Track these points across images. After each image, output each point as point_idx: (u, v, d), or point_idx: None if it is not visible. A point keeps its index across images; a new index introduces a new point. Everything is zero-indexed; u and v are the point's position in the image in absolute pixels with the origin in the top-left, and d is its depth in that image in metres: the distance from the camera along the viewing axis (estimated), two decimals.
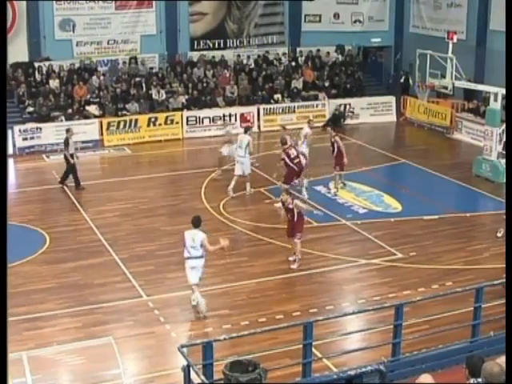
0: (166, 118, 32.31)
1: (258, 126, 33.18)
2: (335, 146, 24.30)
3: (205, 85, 34.99)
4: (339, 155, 24.35)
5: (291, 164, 22.90)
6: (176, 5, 36.49)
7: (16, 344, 13.42)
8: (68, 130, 25.96)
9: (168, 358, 14.05)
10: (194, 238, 15.90)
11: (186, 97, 33.94)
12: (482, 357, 9.19)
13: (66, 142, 25.50)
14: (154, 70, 35.49)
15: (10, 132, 28.03)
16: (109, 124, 31.30)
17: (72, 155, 25.43)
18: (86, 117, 31.85)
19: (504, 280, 15.01)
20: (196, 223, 16.18)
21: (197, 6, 37.35)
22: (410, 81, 38.02)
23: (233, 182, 24.09)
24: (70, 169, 25.41)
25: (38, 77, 33.65)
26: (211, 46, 37.73)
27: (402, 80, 38.29)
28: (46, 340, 14.82)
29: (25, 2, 33.64)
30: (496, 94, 25.79)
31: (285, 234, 19.22)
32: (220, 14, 37.84)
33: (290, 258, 18.95)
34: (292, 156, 22.94)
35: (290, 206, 18.56)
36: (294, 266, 18.69)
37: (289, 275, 18.23)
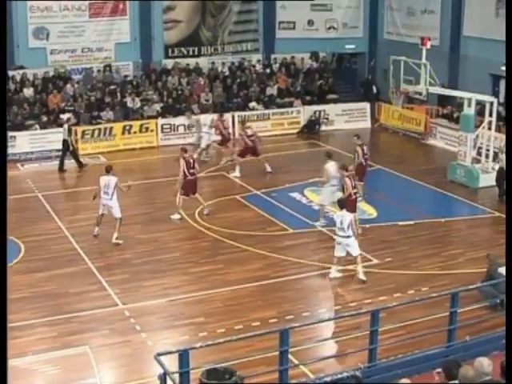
0: (141, 125, 32.18)
1: (233, 133, 33.13)
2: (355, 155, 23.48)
3: (179, 92, 34.97)
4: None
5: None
6: (150, 13, 36.45)
7: None
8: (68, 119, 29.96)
9: (144, 367, 13.98)
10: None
11: (161, 104, 33.88)
12: (457, 360, 9.28)
13: (70, 130, 28.94)
14: (128, 78, 35.41)
15: None
16: (83, 132, 31.15)
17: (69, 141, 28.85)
18: (61, 125, 31.69)
19: (479, 284, 15.20)
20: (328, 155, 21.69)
21: (171, 13, 37.35)
22: (375, 88, 38.60)
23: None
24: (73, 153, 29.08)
25: (11, 85, 33.46)
26: (185, 53, 37.73)
27: (374, 90, 38.74)
28: (21, 350, 14.69)
29: None
30: (470, 100, 25.89)
31: (259, 241, 19.22)
32: (194, 21, 37.84)
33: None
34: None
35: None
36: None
37: (265, 282, 18.20)
